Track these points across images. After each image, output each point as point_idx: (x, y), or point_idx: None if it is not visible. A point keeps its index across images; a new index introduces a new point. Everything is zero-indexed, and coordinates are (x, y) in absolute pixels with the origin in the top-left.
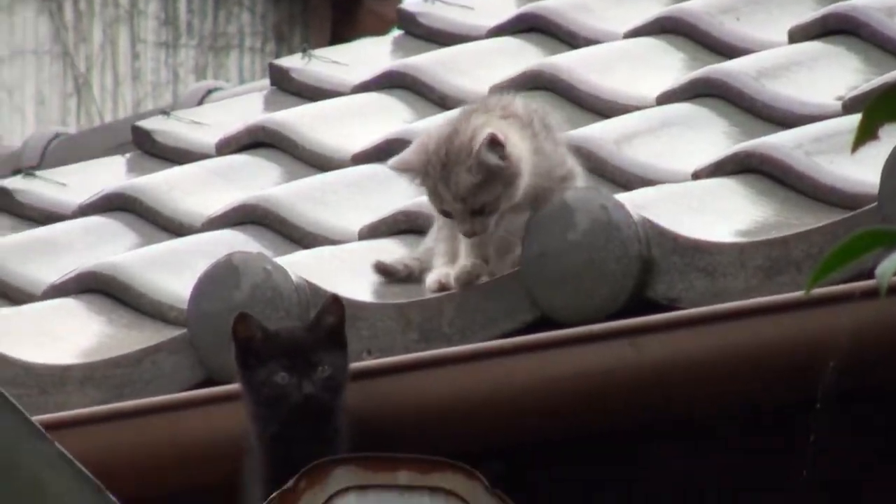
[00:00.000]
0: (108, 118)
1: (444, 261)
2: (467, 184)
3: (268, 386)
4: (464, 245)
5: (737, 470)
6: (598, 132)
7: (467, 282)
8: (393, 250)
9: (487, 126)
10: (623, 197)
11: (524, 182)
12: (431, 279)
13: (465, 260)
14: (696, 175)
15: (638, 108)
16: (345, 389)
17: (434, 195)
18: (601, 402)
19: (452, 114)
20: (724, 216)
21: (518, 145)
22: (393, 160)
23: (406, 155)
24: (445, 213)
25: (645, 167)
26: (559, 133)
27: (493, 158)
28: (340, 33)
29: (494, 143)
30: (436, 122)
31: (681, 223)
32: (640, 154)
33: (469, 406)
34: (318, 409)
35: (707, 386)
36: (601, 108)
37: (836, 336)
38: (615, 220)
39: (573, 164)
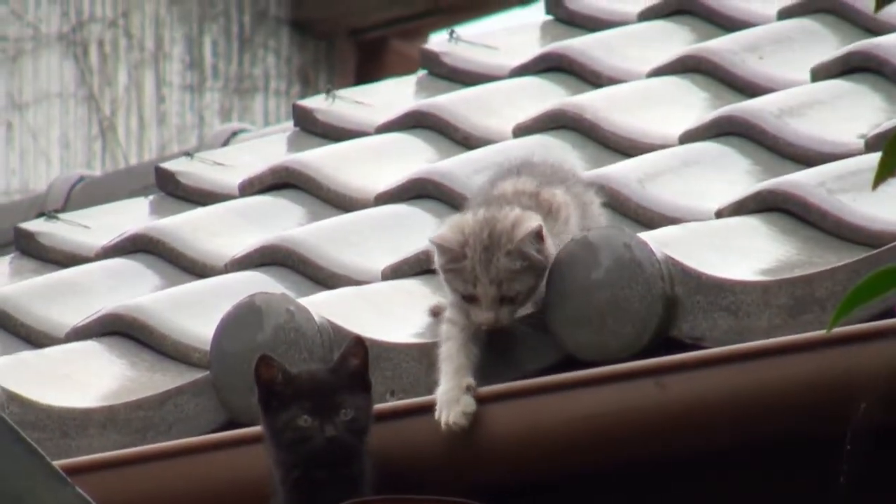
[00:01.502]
0: (133, 161)
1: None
2: (508, 268)
3: (290, 429)
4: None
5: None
6: (621, 171)
7: (457, 432)
8: (416, 290)
9: (533, 219)
10: (646, 235)
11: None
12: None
13: (452, 403)
14: (720, 213)
15: (661, 147)
16: (369, 432)
17: (467, 277)
18: (626, 441)
19: (484, 190)
20: (748, 255)
21: (550, 242)
22: (434, 235)
23: (445, 232)
24: (469, 299)
25: (668, 206)
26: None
27: (532, 249)
28: (365, 75)
29: (538, 237)
30: (459, 162)
31: (704, 262)
32: (663, 192)
33: (493, 445)
34: (341, 451)
35: (732, 424)
36: (624, 147)
37: (860, 374)
38: (639, 258)
39: None
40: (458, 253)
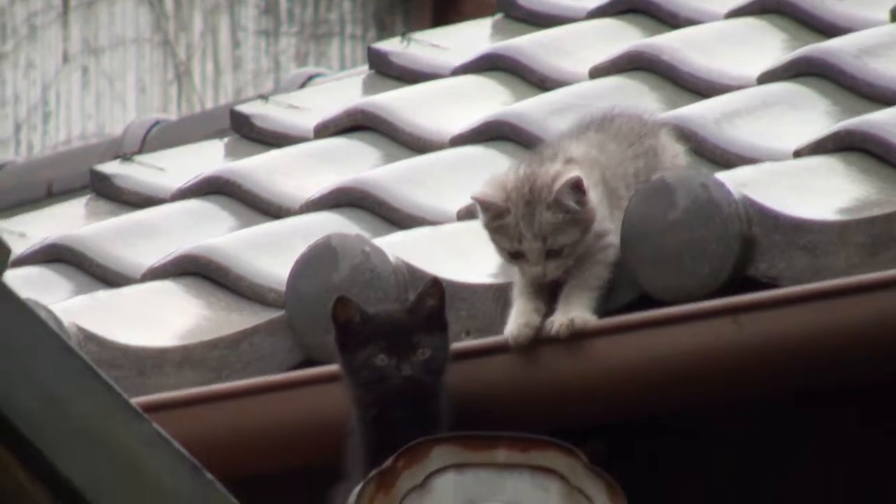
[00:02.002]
0: (208, 106)
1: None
2: (550, 221)
3: (367, 368)
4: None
5: (841, 445)
6: (698, 112)
7: (524, 344)
8: None
9: (572, 171)
10: (724, 176)
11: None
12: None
13: (515, 321)
14: (798, 153)
15: (739, 88)
16: (445, 371)
17: (512, 234)
18: (703, 379)
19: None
20: (826, 194)
21: (593, 195)
22: (476, 192)
23: (487, 189)
24: (516, 256)
25: (746, 146)
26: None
27: (570, 200)
28: (441, 20)
29: (577, 188)
30: (535, 104)
31: (782, 201)
32: (741, 133)
33: (569, 385)
34: (417, 390)
35: (809, 363)
36: (702, 88)
37: None
38: (716, 198)
39: (610, 222)
40: (501, 208)
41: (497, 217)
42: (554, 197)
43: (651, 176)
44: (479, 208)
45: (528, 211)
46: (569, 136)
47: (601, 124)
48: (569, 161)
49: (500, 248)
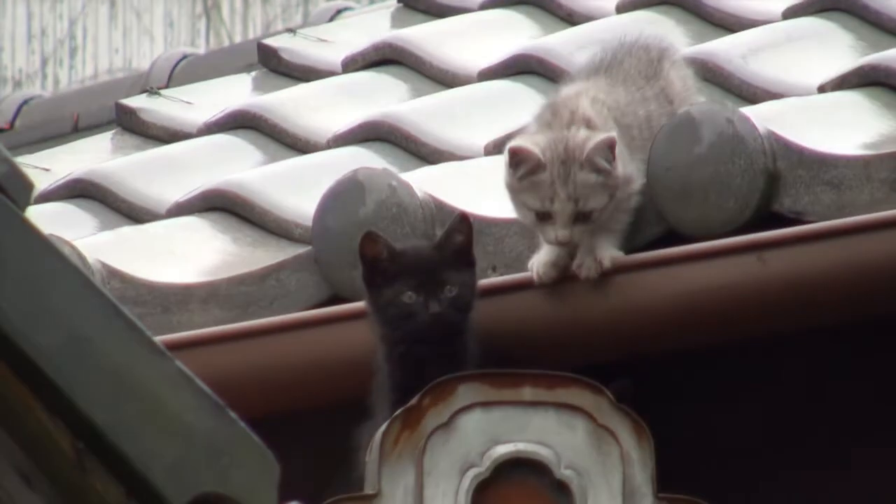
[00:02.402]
0: (237, 40)
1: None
2: (585, 182)
3: (395, 305)
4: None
5: (867, 381)
6: (724, 46)
7: (547, 282)
8: None
9: (606, 133)
10: (749, 110)
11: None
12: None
13: (543, 257)
14: (822, 88)
15: (764, 23)
16: (473, 308)
17: (545, 192)
18: (727, 316)
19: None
20: (850, 129)
21: (621, 165)
22: (512, 144)
23: (522, 142)
24: (543, 218)
25: (771, 81)
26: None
27: (604, 161)
28: None
29: (611, 148)
30: (562, 38)
31: (806, 136)
32: (766, 68)
33: (595, 321)
34: (445, 328)
35: (834, 299)
36: (728, 23)
37: None
38: (741, 133)
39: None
40: (539, 163)
41: (531, 172)
42: (588, 156)
43: (663, 120)
44: (511, 162)
45: (563, 170)
46: (583, 80)
47: (609, 68)
48: (588, 122)
49: (526, 209)
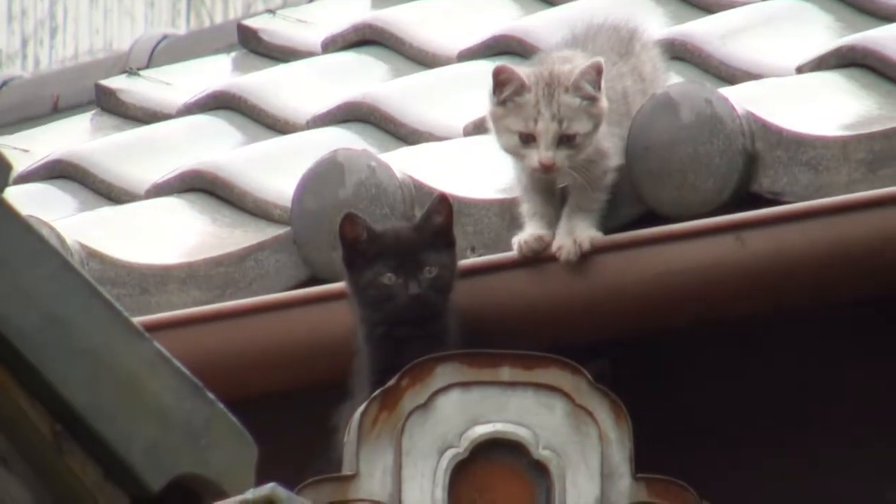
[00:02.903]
0: (217, 21)
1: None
2: (569, 104)
3: (374, 287)
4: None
5: (842, 362)
6: (703, 27)
7: (529, 255)
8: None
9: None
10: (727, 91)
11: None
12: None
13: (528, 231)
14: (800, 69)
15: (743, 4)
16: (452, 289)
17: (528, 113)
18: (706, 296)
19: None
20: (828, 110)
21: (604, 97)
22: (498, 65)
23: (510, 67)
24: (527, 140)
25: (749, 62)
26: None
27: (589, 85)
28: None
29: (598, 72)
30: (541, 19)
31: (785, 117)
32: (744, 49)
33: (574, 301)
34: (424, 308)
35: (812, 279)
36: (707, 4)
37: None
38: (719, 113)
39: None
40: (522, 83)
41: (516, 94)
42: (576, 79)
43: (639, 98)
44: (495, 83)
45: (547, 91)
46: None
47: (584, 43)
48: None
49: (510, 133)
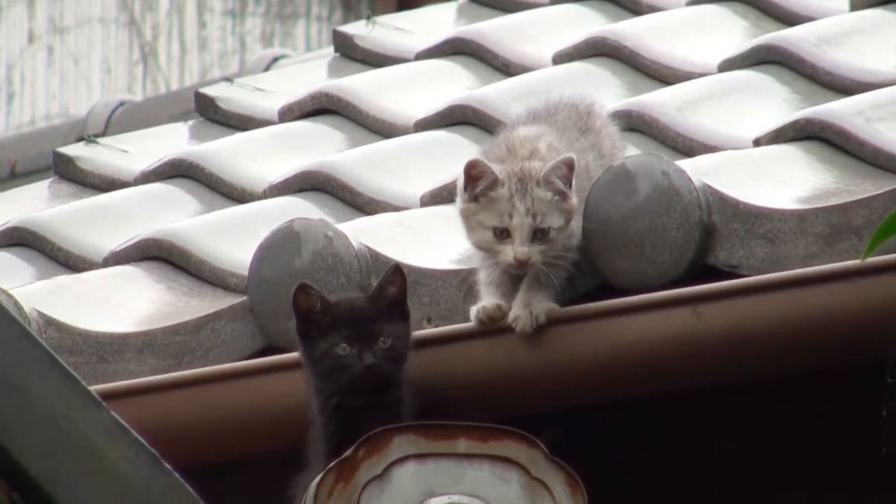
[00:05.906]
0: (174, 87)
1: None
2: (542, 198)
3: (329, 357)
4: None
5: (801, 435)
6: (660, 99)
7: (486, 322)
8: (454, 217)
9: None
10: (685, 163)
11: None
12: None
13: (485, 300)
14: (758, 142)
15: (700, 75)
16: (407, 359)
17: (503, 208)
18: (663, 368)
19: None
20: (785, 183)
21: (575, 198)
22: (471, 160)
23: (481, 158)
24: (501, 234)
25: (706, 134)
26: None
27: (560, 179)
28: (406, 4)
29: (570, 168)
30: (498, 89)
31: (742, 190)
32: (702, 121)
33: (531, 373)
34: (379, 379)
35: (768, 353)
36: (664, 75)
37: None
38: (676, 185)
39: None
40: (495, 178)
41: (489, 188)
42: (547, 173)
43: (599, 172)
44: (468, 178)
45: (521, 186)
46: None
47: (546, 118)
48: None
49: (483, 229)
